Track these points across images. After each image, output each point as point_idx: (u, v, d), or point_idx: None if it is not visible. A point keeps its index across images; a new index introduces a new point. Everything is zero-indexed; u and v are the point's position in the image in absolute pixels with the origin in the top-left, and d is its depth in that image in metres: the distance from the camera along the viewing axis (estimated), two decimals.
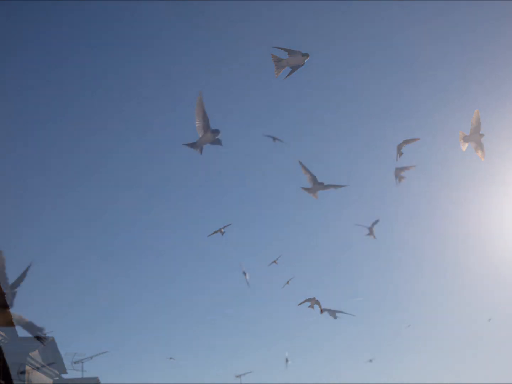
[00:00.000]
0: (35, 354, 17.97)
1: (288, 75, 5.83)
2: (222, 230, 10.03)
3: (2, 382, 14.70)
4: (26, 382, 16.76)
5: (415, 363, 32.58)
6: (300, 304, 9.79)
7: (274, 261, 11.67)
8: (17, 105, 28.25)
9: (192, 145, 6.68)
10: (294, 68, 5.79)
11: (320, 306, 9.73)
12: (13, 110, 26.83)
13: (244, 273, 13.03)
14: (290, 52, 5.57)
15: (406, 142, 8.00)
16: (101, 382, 20.66)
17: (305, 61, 5.64)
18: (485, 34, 26.72)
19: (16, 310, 15.29)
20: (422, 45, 26.97)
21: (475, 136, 6.90)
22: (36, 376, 17.99)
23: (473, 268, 29.35)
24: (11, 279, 4.75)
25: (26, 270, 4.85)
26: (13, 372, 15.51)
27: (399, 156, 8.33)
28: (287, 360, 15.11)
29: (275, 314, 31.87)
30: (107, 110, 30.63)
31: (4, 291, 4.58)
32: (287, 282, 12.93)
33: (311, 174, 7.96)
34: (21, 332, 16.58)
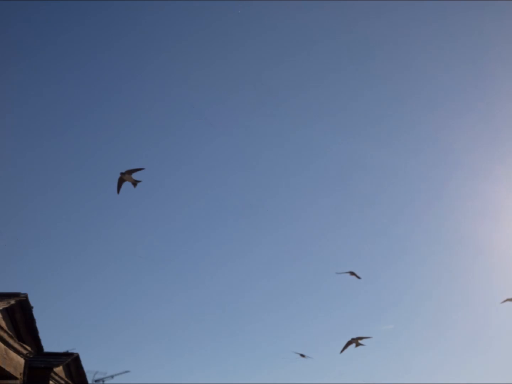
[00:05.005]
0: (59, 370, 18.68)
1: None
2: None
3: None
4: None
5: (415, 363, 32.48)
6: (342, 351, 10.48)
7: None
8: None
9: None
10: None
11: (358, 343, 10.48)
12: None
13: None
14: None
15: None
16: None
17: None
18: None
19: (39, 323, 15.83)
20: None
21: None
22: None
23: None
24: None
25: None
26: None
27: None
28: (303, 355, 15.52)
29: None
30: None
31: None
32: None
33: None
34: (47, 347, 17.36)
